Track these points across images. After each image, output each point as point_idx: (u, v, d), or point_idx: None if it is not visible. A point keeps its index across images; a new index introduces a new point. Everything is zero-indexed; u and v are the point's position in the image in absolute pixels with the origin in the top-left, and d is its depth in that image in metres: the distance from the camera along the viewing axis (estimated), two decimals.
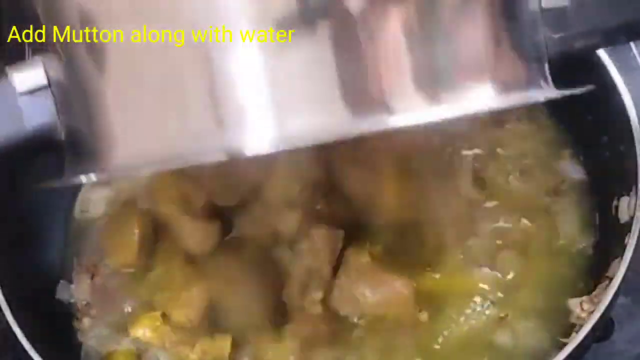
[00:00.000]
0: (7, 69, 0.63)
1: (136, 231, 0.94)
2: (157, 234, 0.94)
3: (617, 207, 0.87)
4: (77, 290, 0.94)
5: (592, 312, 0.79)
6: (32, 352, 0.81)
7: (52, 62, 0.62)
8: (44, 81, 0.63)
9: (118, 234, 0.95)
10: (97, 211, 1.00)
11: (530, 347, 0.84)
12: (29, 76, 0.63)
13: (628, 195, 0.85)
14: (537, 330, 0.85)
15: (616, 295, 0.79)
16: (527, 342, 0.84)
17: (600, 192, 0.91)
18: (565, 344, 0.78)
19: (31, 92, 0.62)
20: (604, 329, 0.85)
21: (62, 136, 0.64)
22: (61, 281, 0.95)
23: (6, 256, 0.89)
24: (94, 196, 1.01)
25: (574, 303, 0.84)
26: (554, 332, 0.84)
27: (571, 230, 0.89)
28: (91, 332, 0.92)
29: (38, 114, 0.63)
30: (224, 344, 0.86)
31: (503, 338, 0.84)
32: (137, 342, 0.88)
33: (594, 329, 0.77)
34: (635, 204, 0.82)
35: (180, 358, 0.86)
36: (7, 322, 0.84)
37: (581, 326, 0.79)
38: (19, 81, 0.62)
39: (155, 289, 0.91)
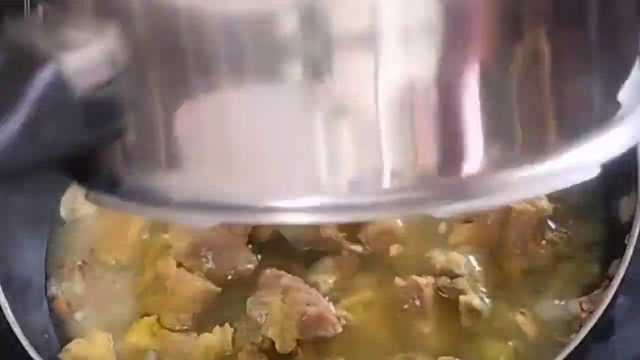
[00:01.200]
0: (56, 50, 0.42)
1: (132, 224, 0.94)
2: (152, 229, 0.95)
3: (617, 207, 0.87)
4: (69, 287, 0.94)
5: (592, 312, 0.79)
6: (32, 352, 0.81)
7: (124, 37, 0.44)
8: (109, 71, 0.44)
9: (114, 228, 0.96)
10: (85, 210, 1.00)
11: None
12: (87, 63, 0.43)
13: (628, 195, 0.85)
14: None
15: (616, 295, 0.79)
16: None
17: (601, 192, 0.91)
18: (565, 344, 0.78)
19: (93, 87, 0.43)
20: (604, 329, 0.85)
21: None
22: (52, 279, 0.95)
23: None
24: (81, 195, 1.00)
25: (573, 303, 0.84)
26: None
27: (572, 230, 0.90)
28: (83, 327, 0.92)
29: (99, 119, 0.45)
30: (226, 336, 0.86)
31: None
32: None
33: (594, 329, 0.77)
34: (635, 204, 0.82)
35: (184, 357, 0.86)
36: (7, 322, 0.84)
37: (581, 326, 0.79)
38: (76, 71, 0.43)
39: (147, 291, 0.92)
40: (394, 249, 0.89)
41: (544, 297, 0.85)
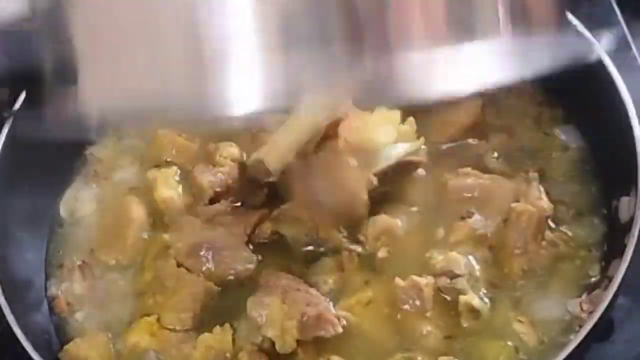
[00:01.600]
0: None
1: (132, 224, 0.94)
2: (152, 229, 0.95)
3: (617, 207, 0.87)
4: (69, 287, 0.94)
5: (592, 312, 0.79)
6: (32, 352, 0.81)
7: None
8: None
9: (114, 228, 0.96)
10: (85, 210, 1.00)
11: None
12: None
13: (628, 195, 0.85)
14: None
15: (616, 295, 0.79)
16: None
17: (601, 192, 0.91)
18: (565, 344, 0.78)
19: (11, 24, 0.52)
20: (604, 329, 0.85)
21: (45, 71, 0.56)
22: (52, 279, 0.95)
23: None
24: (81, 195, 1.01)
25: (573, 303, 0.84)
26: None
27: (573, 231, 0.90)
28: (83, 327, 0.92)
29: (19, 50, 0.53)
30: (226, 336, 0.86)
31: None
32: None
33: (594, 329, 0.77)
34: (635, 204, 0.82)
35: (184, 357, 0.86)
36: (7, 322, 0.84)
37: (581, 326, 0.79)
38: None
39: (147, 291, 0.92)
40: (382, 252, 0.90)
41: (544, 297, 0.85)
